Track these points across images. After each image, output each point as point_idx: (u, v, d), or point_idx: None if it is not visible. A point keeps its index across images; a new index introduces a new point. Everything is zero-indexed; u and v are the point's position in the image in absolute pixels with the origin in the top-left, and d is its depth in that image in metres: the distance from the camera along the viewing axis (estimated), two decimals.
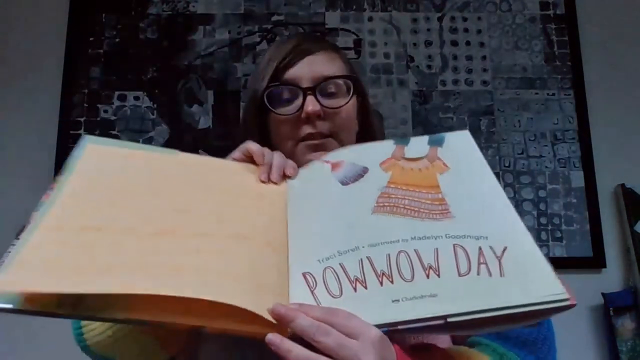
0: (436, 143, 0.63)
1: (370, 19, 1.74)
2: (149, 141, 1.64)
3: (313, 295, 0.50)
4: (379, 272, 0.50)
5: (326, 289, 0.50)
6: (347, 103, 0.74)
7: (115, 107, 1.67)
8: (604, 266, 1.58)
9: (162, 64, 1.70)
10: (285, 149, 0.73)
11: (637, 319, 1.50)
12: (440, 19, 1.74)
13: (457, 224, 0.53)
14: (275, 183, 0.63)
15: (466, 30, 1.74)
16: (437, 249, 0.51)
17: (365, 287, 0.50)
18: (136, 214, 0.54)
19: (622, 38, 1.75)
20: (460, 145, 0.63)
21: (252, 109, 0.77)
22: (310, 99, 0.72)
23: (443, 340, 0.63)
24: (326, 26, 1.72)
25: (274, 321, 0.46)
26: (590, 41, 1.72)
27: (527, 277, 0.48)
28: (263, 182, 0.63)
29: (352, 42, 1.70)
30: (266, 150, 0.65)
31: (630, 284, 1.54)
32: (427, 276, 0.49)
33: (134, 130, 1.65)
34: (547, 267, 0.48)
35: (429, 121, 1.65)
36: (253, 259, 0.52)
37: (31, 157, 1.63)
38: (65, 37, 1.70)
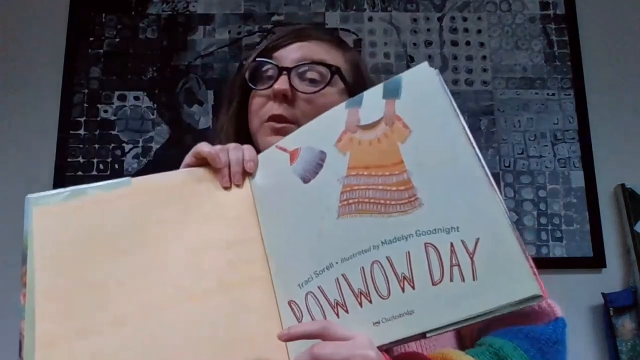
0: (392, 94, 0.55)
1: (370, 19, 1.74)
2: (149, 141, 1.64)
3: None
4: (356, 291, 0.51)
5: (311, 318, 0.53)
6: (317, 91, 0.70)
7: (115, 107, 1.67)
8: (604, 266, 1.58)
9: (162, 64, 1.70)
10: (253, 125, 0.73)
11: (637, 319, 1.50)
12: (440, 19, 1.74)
13: (425, 213, 0.50)
14: (238, 186, 0.61)
15: (466, 30, 1.74)
16: (408, 252, 0.50)
17: (347, 311, 0.51)
18: (119, 293, 0.53)
19: (622, 38, 1.75)
20: (421, 89, 0.54)
21: (237, 81, 0.78)
22: (282, 78, 0.71)
23: (444, 342, 0.63)
24: (326, 26, 1.72)
25: None
26: (590, 41, 1.72)
27: (501, 278, 0.46)
28: (226, 188, 0.60)
29: (352, 42, 1.70)
30: (219, 149, 0.62)
31: (630, 284, 1.54)
32: (403, 289, 0.49)
33: (134, 130, 1.65)
34: (521, 260, 0.45)
35: None
36: (248, 310, 0.54)
37: (31, 157, 1.63)
38: (65, 37, 1.70)
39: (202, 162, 0.62)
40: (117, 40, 1.72)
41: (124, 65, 1.70)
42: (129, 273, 0.54)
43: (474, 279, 0.47)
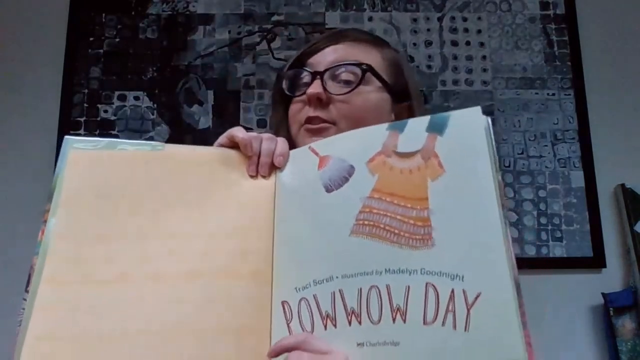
0: (436, 129, 0.55)
1: (370, 19, 1.74)
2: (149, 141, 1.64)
3: (288, 328, 0.53)
4: (349, 309, 0.51)
5: (300, 323, 0.53)
6: (350, 91, 0.70)
7: (115, 107, 1.67)
8: (604, 266, 1.58)
9: (162, 64, 1.70)
10: (292, 132, 0.74)
11: (637, 319, 1.50)
12: (440, 19, 1.74)
13: (436, 255, 0.50)
14: (264, 176, 0.61)
15: (466, 30, 1.74)
16: (408, 286, 0.50)
17: (335, 326, 0.52)
18: (129, 250, 0.55)
19: (622, 38, 1.75)
20: (465, 133, 0.53)
21: (277, 90, 0.79)
22: (315, 82, 0.71)
23: None
24: (326, 26, 1.72)
25: None
26: (590, 41, 1.72)
27: (492, 337, 0.46)
28: (252, 176, 0.61)
29: None
30: (253, 136, 0.62)
31: (630, 284, 1.54)
32: (394, 320, 0.49)
33: (134, 130, 1.66)
34: (516, 326, 0.45)
35: None
36: (244, 300, 0.55)
37: (31, 157, 1.63)
38: (65, 37, 1.70)
39: (235, 145, 0.62)
40: (117, 40, 1.72)
41: (124, 65, 1.70)
42: (139, 235, 0.56)
43: (465, 330, 0.47)
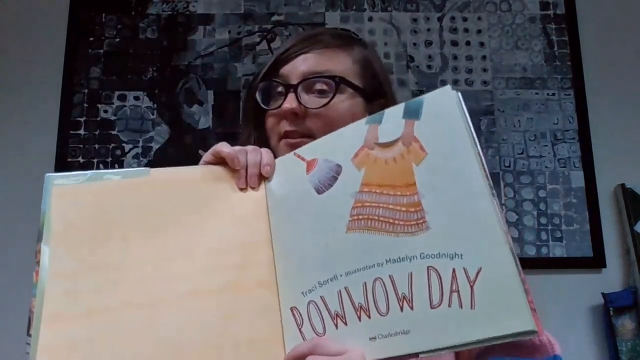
0: (413, 114, 0.55)
1: (370, 19, 1.74)
2: (149, 141, 1.64)
3: (301, 333, 0.54)
4: (357, 305, 0.52)
5: (311, 326, 0.54)
6: (325, 104, 0.71)
7: (115, 107, 1.67)
8: (604, 266, 1.58)
9: (162, 64, 1.70)
10: (272, 143, 0.75)
11: (637, 319, 1.50)
12: (440, 19, 1.74)
13: (432, 237, 0.51)
14: (253, 188, 0.62)
15: (466, 30, 1.74)
16: (411, 273, 0.51)
17: (345, 324, 0.53)
18: (127, 279, 0.54)
19: (622, 38, 1.75)
20: (441, 112, 0.54)
21: (250, 101, 0.79)
22: (290, 96, 0.72)
23: None
24: (326, 26, 1.72)
25: None
26: (590, 41, 1.72)
27: (498, 309, 0.47)
28: (242, 189, 0.61)
29: None
30: (238, 150, 0.63)
31: (630, 284, 1.54)
32: (401, 309, 0.50)
33: (134, 130, 1.66)
34: (520, 295, 0.46)
35: None
36: (253, 312, 0.55)
37: (31, 157, 1.63)
38: (65, 37, 1.70)
39: (221, 161, 0.63)
40: (117, 40, 1.72)
41: (124, 65, 1.70)
42: (137, 261, 0.55)
43: (471, 307, 0.47)
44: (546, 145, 1.66)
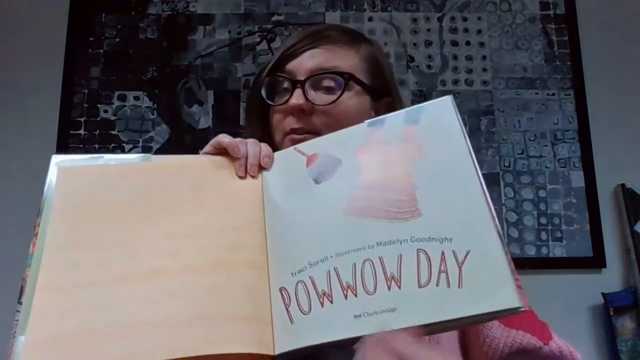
0: (413, 121, 0.59)
1: (370, 19, 1.74)
2: (149, 141, 1.65)
3: (288, 313, 0.54)
4: (344, 284, 0.53)
5: (298, 305, 0.54)
6: (333, 101, 0.70)
7: (115, 107, 1.67)
8: (604, 266, 1.58)
9: (162, 64, 1.70)
10: (276, 139, 0.74)
11: (637, 319, 1.50)
12: (440, 19, 1.74)
13: (423, 223, 0.53)
14: (252, 177, 0.63)
15: (466, 30, 1.74)
16: (400, 255, 0.52)
17: (332, 302, 0.53)
18: (124, 254, 0.55)
19: (622, 38, 1.75)
20: (439, 118, 0.58)
21: (255, 96, 0.78)
22: (297, 92, 0.71)
23: (448, 338, 0.64)
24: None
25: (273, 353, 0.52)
26: (590, 41, 1.72)
27: (485, 288, 0.48)
28: (241, 177, 0.63)
29: None
30: (239, 141, 0.64)
31: (630, 284, 1.55)
32: (389, 288, 0.51)
33: (134, 130, 1.66)
34: (507, 274, 0.48)
35: None
36: (243, 289, 0.56)
37: (31, 157, 1.63)
38: (65, 37, 1.71)
39: (221, 152, 0.64)
40: (117, 40, 1.72)
41: (124, 65, 1.70)
42: (134, 239, 0.56)
43: (459, 287, 0.49)
44: (546, 145, 1.66)
